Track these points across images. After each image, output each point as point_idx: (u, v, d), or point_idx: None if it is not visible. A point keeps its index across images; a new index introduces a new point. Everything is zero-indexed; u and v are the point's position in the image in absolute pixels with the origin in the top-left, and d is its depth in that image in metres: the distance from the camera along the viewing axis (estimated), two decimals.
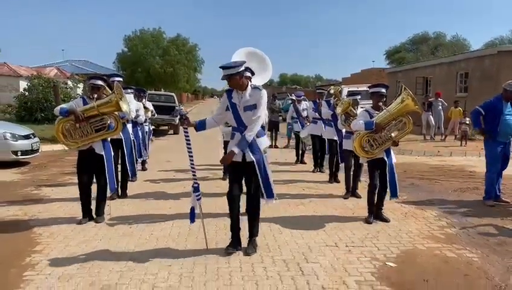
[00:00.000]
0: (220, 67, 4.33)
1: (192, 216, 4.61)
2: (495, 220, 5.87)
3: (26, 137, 10.28)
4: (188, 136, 4.54)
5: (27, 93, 19.55)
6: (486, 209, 6.48)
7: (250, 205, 4.62)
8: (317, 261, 4.36)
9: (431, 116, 15.80)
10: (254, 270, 4.12)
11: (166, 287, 3.72)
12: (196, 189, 4.57)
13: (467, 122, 13.77)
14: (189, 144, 4.55)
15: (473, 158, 11.76)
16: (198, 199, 4.60)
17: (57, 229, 5.31)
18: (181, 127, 4.58)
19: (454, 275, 4.08)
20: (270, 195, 4.52)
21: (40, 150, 10.74)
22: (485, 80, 17.13)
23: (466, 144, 13.86)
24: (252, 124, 4.37)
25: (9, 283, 3.82)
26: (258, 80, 5.27)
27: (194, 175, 4.63)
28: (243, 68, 4.37)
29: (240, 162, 4.45)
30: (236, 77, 4.31)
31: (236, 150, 4.36)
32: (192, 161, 4.60)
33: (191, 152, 4.57)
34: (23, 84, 24.92)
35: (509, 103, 6.79)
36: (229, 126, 4.96)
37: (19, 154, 9.92)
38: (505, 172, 7.09)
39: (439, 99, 16.09)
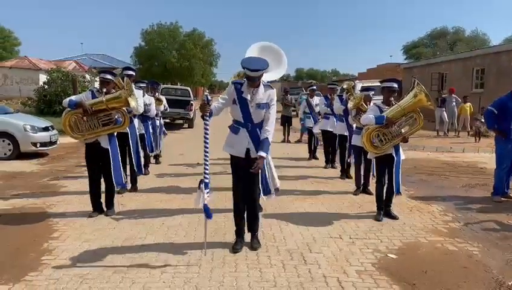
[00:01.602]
0: (254, 70, 4.19)
1: (207, 213, 4.22)
2: (500, 216, 5.94)
3: (45, 129, 10.64)
4: (207, 128, 4.26)
5: (46, 86, 20.05)
6: (493, 205, 6.55)
7: (252, 203, 4.55)
8: (320, 251, 4.53)
9: (444, 112, 15.75)
10: (259, 258, 4.30)
11: (174, 273, 3.93)
12: (206, 185, 4.25)
13: (482, 119, 13.70)
14: (207, 138, 4.26)
15: (485, 155, 11.74)
16: (208, 196, 4.25)
17: (73, 217, 5.56)
18: (203, 119, 4.29)
19: (453, 267, 4.20)
20: (268, 192, 4.56)
21: (58, 142, 11.08)
22: (502, 76, 16.97)
23: (479, 140, 13.82)
24: (270, 125, 4.41)
25: (29, 266, 4.06)
26: (272, 75, 5.23)
27: (206, 169, 4.28)
28: None
29: (243, 158, 4.42)
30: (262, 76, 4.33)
31: (264, 154, 4.30)
32: (207, 155, 4.28)
33: (207, 146, 4.26)
34: (42, 78, 25.51)
35: None
36: None
37: (38, 146, 10.28)
38: None
39: (453, 95, 16.04)
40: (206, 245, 4.35)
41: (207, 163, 4.30)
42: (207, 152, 4.29)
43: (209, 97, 4.25)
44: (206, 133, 4.26)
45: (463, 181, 8.29)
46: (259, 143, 4.36)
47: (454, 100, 15.96)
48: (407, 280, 3.90)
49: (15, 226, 5.23)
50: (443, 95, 16.40)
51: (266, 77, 4.74)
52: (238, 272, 3.98)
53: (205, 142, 4.26)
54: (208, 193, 4.26)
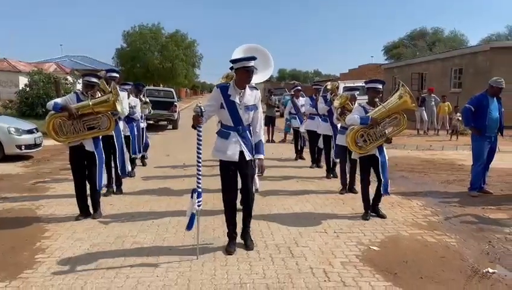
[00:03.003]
0: (251, 58, 4.28)
1: (191, 223, 4.29)
2: (477, 210, 6.22)
3: (30, 132, 10.63)
4: (200, 139, 4.25)
5: (28, 88, 19.89)
6: (470, 200, 6.83)
7: (249, 203, 4.59)
8: (306, 245, 4.72)
9: (424, 111, 16.16)
10: (248, 253, 4.47)
11: (167, 267, 4.08)
12: (199, 195, 4.28)
13: (459, 117, 14.14)
14: (200, 148, 4.25)
15: (464, 152, 12.07)
16: (199, 205, 4.29)
17: (64, 217, 5.65)
18: (197, 126, 4.25)
19: (431, 257, 4.44)
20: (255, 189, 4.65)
21: (42, 144, 11.06)
22: (478, 76, 17.48)
23: (457, 138, 14.24)
24: (260, 126, 4.51)
25: (23, 264, 4.17)
26: (260, 77, 5.31)
27: (198, 179, 4.31)
28: None
29: (236, 162, 4.40)
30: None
31: (263, 156, 4.45)
32: (200, 163, 4.30)
33: (200, 156, 4.26)
34: (22, 80, 25.19)
35: (495, 98, 7.14)
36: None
37: (22, 148, 10.27)
38: (490, 165, 7.44)
39: (432, 95, 16.49)
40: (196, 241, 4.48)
41: (200, 172, 4.30)
42: (200, 162, 4.29)
43: (203, 109, 4.20)
44: (198, 144, 4.25)
45: (442, 177, 8.59)
46: (255, 146, 4.47)
47: (433, 100, 16.40)
48: (389, 269, 4.11)
49: (5, 227, 5.29)
50: (422, 95, 16.84)
51: (254, 79, 4.82)
52: (228, 266, 4.15)
53: (198, 152, 4.26)
54: (199, 202, 4.27)
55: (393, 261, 4.32)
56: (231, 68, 4.94)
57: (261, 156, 4.45)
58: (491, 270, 4.10)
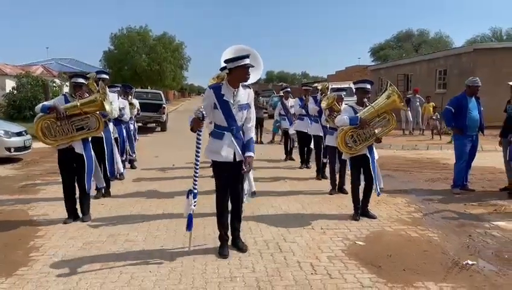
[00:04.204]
0: (246, 56, 4.27)
1: (190, 224, 4.39)
2: (459, 206, 6.43)
3: (19, 134, 10.66)
4: (200, 142, 4.28)
5: (15, 91, 19.82)
6: (453, 197, 7.04)
7: (238, 205, 4.58)
8: (294, 241, 4.88)
9: (409, 112, 16.43)
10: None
11: (159, 263, 4.21)
12: (195, 195, 4.37)
13: (434, 116, 14.74)
14: (199, 151, 4.31)
15: (448, 151, 12.28)
16: (194, 206, 4.40)
17: (56, 217, 5.74)
18: (197, 130, 4.23)
19: (414, 251, 4.63)
20: (249, 193, 4.69)
21: (31, 147, 11.08)
22: (463, 77, 17.65)
23: (441, 138, 14.56)
24: (251, 125, 4.47)
25: (18, 262, 4.26)
26: (250, 78, 5.41)
27: (195, 180, 4.38)
28: None
29: (231, 162, 4.39)
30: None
31: (252, 154, 4.39)
32: (198, 165, 4.34)
33: (198, 159, 4.32)
34: (9, 83, 24.96)
35: (473, 98, 7.38)
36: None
37: (12, 151, 10.29)
38: (472, 163, 7.67)
39: (417, 95, 16.79)
40: (188, 238, 4.59)
41: (196, 173, 4.35)
42: (197, 164, 4.33)
43: (204, 113, 4.15)
44: (198, 147, 4.27)
45: (426, 176, 8.82)
46: (246, 143, 4.41)
47: (418, 100, 16.70)
48: (374, 263, 4.28)
49: None
50: (408, 96, 17.13)
51: None
52: (219, 261, 4.29)
53: (196, 155, 4.30)
54: (194, 202, 4.37)
55: (377, 255, 4.50)
56: (221, 69, 5.00)
57: (251, 154, 4.40)
58: (470, 262, 4.29)
